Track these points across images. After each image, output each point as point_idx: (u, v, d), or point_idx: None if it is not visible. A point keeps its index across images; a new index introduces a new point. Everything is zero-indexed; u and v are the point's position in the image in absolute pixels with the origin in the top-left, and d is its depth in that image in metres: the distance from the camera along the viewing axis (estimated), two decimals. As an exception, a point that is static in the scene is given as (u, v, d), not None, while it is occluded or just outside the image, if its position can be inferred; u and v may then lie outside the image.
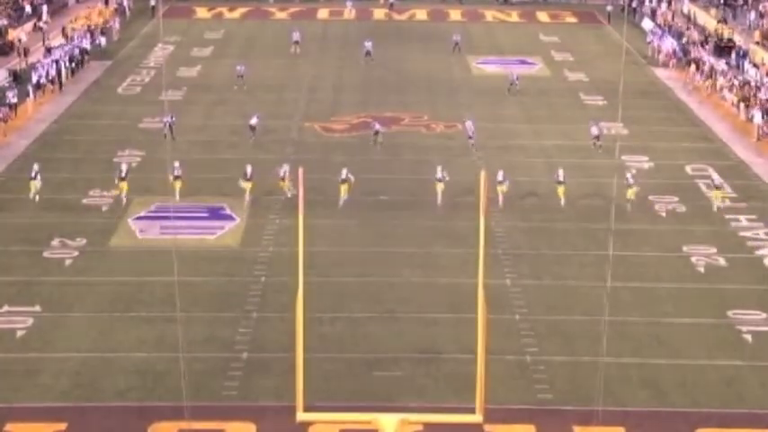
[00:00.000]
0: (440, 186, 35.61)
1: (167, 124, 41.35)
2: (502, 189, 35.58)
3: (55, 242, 32.18)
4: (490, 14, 71.57)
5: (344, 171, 35.89)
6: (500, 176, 35.79)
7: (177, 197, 35.36)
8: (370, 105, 48.03)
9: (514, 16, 71.36)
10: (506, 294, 28.98)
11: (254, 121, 42.54)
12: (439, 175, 35.73)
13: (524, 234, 33.47)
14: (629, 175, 36.64)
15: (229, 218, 34.49)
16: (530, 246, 32.55)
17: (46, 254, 31.44)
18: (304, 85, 51.31)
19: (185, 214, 34.33)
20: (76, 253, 31.50)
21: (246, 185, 35.83)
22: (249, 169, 36.06)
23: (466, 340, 25.12)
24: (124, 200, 35.61)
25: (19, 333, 26.66)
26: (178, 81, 51.34)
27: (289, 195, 35.69)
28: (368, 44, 57.06)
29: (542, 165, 40.13)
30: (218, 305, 28.20)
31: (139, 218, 34.31)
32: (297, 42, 58.09)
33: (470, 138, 41.79)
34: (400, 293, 29.16)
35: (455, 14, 71.35)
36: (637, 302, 28.75)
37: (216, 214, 34.77)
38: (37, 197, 35.29)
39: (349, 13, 69.25)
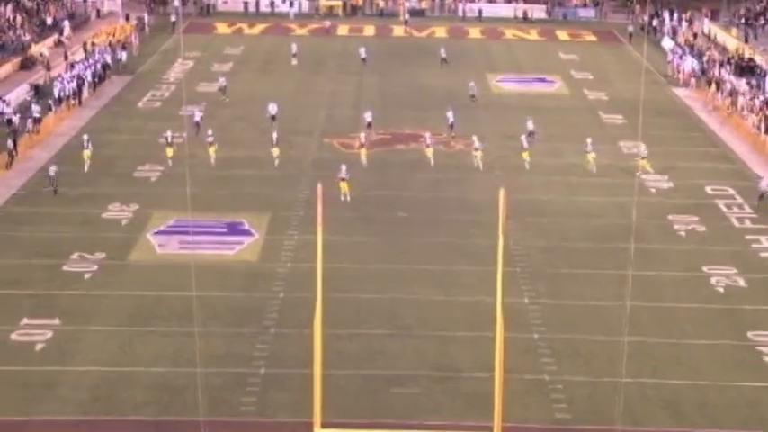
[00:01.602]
0: (429, 151, 41.92)
1: (198, 117, 44.84)
2: (479, 154, 41.33)
3: (74, 256, 32.39)
4: (510, 32, 71.75)
5: (343, 168, 37.10)
6: (476, 144, 41.77)
7: (213, 162, 40.76)
8: (389, 122, 48.15)
9: (534, 34, 71.50)
10: (525, 313, 28.98)
11: (273, 110, 45.87)
12: (428, 141, 42.33)
13: (543, 253, 33.47)
14: (588, 141, 41.59)
15: (248, 233, 34.64)
16: (548, 264, 32.56)
17: (65, 267, 31.66)
18: (323, 102, 51.51)
19: (204, 229, 34.51)
20: (96, 267, 31.71)
21: (275, 151, 41.36)
22: (275, 135, 42.01)
23: (484, 358, 25.15)
24: (170, 162, 40.47)
25: (38, 346, 26.83)
26: (198, 96, 51.62)
27: (348, 199, 36.59)
28: (362, 51, 59.48)
29: (560, 183, 40.15)
30: (237, 320, 28.31)
31: (158, 232, 34.50)
32: (295, 55, 59.67)
33: (451, 127, 45.27)
34: (418, 311, 29.21)
35: (474, 32, 71.55)
36: (656, 322, 28.69)
37: (235, 229, 34.92)
38: (88, 163, 40.15)
39: (292, 19, 70.67)
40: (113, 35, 63.27)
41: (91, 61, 54.55)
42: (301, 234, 34.14)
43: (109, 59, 56.33)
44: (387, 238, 34.45)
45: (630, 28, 67.68)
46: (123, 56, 58.64)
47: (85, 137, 41.62)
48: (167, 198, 37.20)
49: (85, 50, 58.77)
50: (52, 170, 38.23)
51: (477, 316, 28.35)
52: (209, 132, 41.85)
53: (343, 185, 36.95)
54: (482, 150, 41.68)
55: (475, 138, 42.33)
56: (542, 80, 57.98)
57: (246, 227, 35.17)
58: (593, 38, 70.64)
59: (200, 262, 31.00)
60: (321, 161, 42.13)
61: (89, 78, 52.02)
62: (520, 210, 36.27)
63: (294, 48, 60.68)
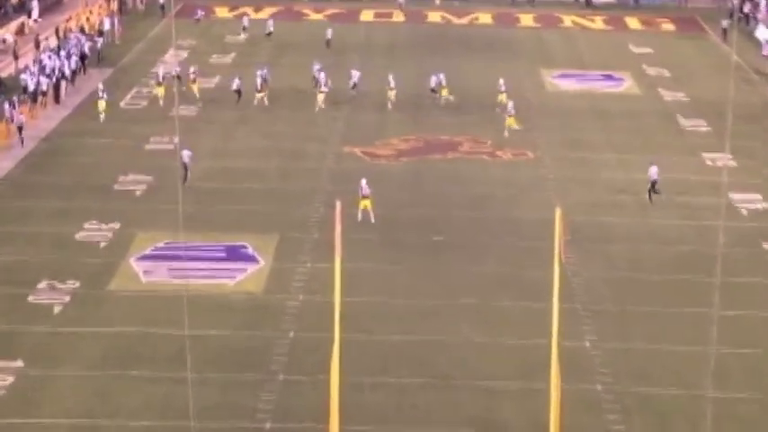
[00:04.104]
0: (391, 93, 50.62)
1: (237, 85, 50.77)
2: (393, 93, 50.37)
3: (42, 285, 32.60)
4: (569, 19, 71.87)
5: (364, 183, 37.24)
6: (392, 83, 50.72)
7: (197, 95, 50.22)
8: (422, 127, 48.32)
9: (599, 22, 71.57)
10: (586, 359, 28.93)
11: (236, 84, 50.99)
12: (392, 84, 50.72)
13: (608, 286, 33.43)
14: (510, 105, 47.43)
15: (252, 259, 34.81)
16: (615, 300, 32.51)
17: (31, 298, 31.86)
18: (343, 102, 51.70)
19: (199, 253, 34.71)
20: (68, 298, 31.90)
21: (260, 95, 49.94)
22: (259, 81, 50.16)
23: (536, 414, 25.09)
24: (161, 102, 49.14)
25: (-2, 393, 27.05)
26: (193, 94, 51.93)
27: (366, 219, 36.77)
28: (270, 24, 64.77)
29: (631, 203, 40.12)
30: (237, 364, 28.41)
31: (144, 257, 34.70)
32: (245, 28, 64.57)
33: (353, 87, 52.00)
34: (457, 355, 29.21)
35: (526, 19, 71.74)
36: (747, 374, 28.55)
37: (236, 254, 35.11)
38: (103, 115, 47.42)
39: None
40: (87, 19, 63.79)
41: (65, 51, 55.02)
42: (315, 261, 34.24)
43: (87, 48, 56.80)
44: (419, 266, 34.51)
45: (725, 23, 66.72)
46: (98, 43, 58.96)
47: (100, 85, 49.16)
48: (155, 216, 37.44)
49: (58, 37, 59.33)
50: (186, 155, 40.37)
51: (528, 362, 28.32)
52: (192, 70, 51.60)
53: (365, 203, 37.06)
54: (396, 90, 50.30)
55: (391, 76, 50.88)
56: (609, 77, 58.00)
57: (250, 251, 35.34)
58: (670, 26, 70.59)
59: (195, 293, 31.15)
60: (340, 173, 42.28)
61: (67, 72, 52.46)
62: (580, 233, 36.26)
63: (245, 21, 65.35)
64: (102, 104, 47.72)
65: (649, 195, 39.79)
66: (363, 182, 37.48)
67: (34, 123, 47.24)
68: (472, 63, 59.49)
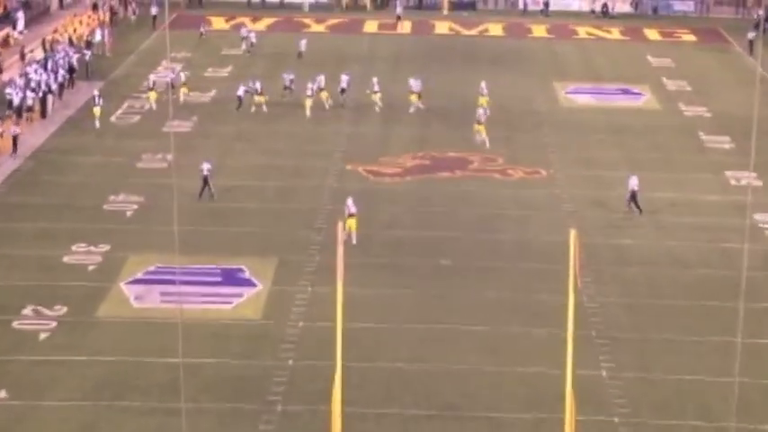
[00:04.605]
0: (377, 96, 52.49)
1: (244, 93, 51.89)
2: (378, 96, 52.43)
3: (27, 310, 32.64)
4: (584, 30, 72.10)
5: (350, 202, 37.35)
6: (376, 87, 52.76)
7: (181, 100, 52.75)
8: (429, 143, 48.40)
9: (615, 33, 71.78)
10: (602, 389, 28.92)
11: (241, 90, 52.13)
12: (375, 87, 52.49)
13: (626, 312, 33.44)
14: (481, 111, 48.45)
15: (249, 283, 34.86)
16: (633, 327, 32.51)
17: (15, 324, 31.90)
18: (345, 117, 51.84)
19: (194, 278, 34.75)
20: (54, 324, 31.93)
21: (261, 99, 51.51)
22: (259, 84, 52.06)
23: (550, 448, 25.13)
24: (154, 106, 51.21)
25: (-20, 425, 27.12)
26: (187, 109, 52.13)
27: (354, 241, 36.72)
28: (252, 36, 65.13)
29: (649, 224, 40.15)
30: (234, 394, 28.42)
31: (135, 281, 34.76)
32: (243, 38, 64.96)
33: (342, 92, 53.16)
34: (465, 385, 29.22)
35: (538, 30, 71.99)
36: (772, 404, 28.59)
37: (232, 278, 35.16)
38: (98, 123, 48.87)
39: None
40: (75, 30, 64.00)
41: (52, 63, 55.24)
42: (316, 285, 34.29)
43: (75, 61, 57.03)
44: (425, 291, 34.54)
45: (751, 34, 66.77)
46: (87, 56, 59.21)
47: (96, 92, 50.39)
48: (147, 237, 37.54)
49: (45, 49, 59.57)
50: (206, 168, 40.98)
51: (539, 392, 28.34)
52: (182, 76, 54.07)
53: (350, 223, 36.95)
54: (381, 93, 52.44)
55: (375, 80, 52.93)
56: (626, 92, 58.14)
57: (247, 275, 35.39)
58: (691, 37, 70.79)
59: (189, 319, 31.17)
60: (342, 192, 42.28)
61: (54, 85, 52.65)
62: (597, 257, 36.32)
63: (244, 32, 65.92)
64: (97, 111, 49.13)
65: (629, 206, 40.40)
66: (349, 200, 37.49)
67: (20, 140, 47.36)
68: (481, 76, 59.35)
